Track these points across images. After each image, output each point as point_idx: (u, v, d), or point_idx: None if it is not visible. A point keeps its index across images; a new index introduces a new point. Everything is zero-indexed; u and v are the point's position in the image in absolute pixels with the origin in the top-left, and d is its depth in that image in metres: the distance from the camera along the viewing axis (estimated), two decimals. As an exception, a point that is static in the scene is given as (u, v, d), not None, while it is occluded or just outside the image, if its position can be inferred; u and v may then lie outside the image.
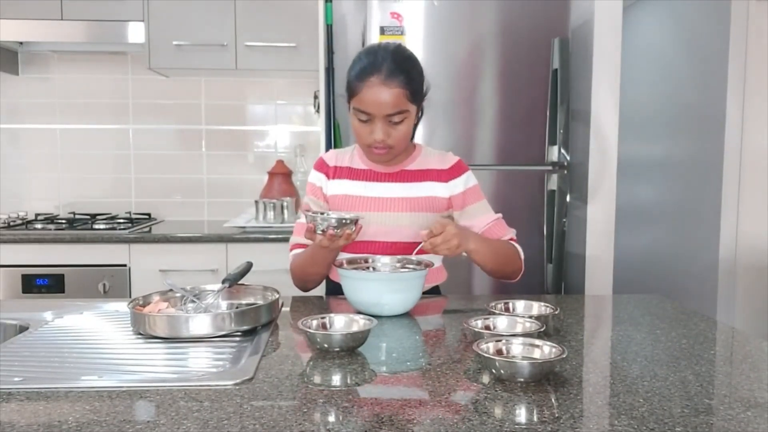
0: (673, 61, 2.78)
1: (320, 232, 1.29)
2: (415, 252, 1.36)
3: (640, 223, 3.03)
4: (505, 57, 2.26)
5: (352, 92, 1.39)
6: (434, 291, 1.56)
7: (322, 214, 1.32)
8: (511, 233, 1.52)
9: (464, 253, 1.36)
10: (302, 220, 1.46)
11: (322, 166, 1.54)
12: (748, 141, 2.36)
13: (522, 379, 0.90)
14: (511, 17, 2.25)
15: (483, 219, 1.50)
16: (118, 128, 2.99)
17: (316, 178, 1.54)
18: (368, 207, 1.47)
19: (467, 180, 1.51)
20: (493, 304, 1.23)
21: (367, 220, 1.44)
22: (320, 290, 2.40)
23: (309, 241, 1.38)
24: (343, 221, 1.30)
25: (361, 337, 1.06)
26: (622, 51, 2.27)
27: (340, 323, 1.13)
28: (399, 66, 1.36)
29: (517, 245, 1.50)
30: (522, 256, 1.50)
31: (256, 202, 2.67)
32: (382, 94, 1.34)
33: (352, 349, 1.05)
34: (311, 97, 2.94)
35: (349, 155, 1.54)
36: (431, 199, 1.49)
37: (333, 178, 1.52)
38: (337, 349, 1.05)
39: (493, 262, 1.44)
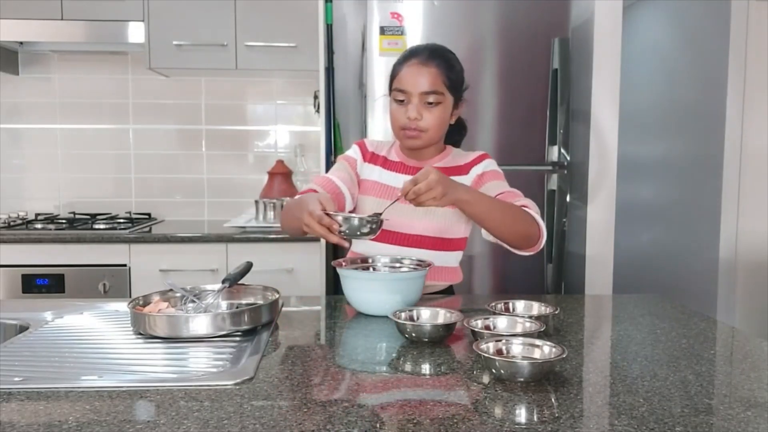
0: (673, 61, 2.78)
1: (345, 234, 1.21)
2: (392, 202, 1.30)
3: (640, 223, 3.03)
4: (505, 57, 2.26)
5: (393, 76, 1.47)
6: (448, 290, 1.57)
7: (349, 216, 1.23)
8: (524, 201, 1.42)
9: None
10: (328, 175, 1.53)
11: (362, 147, 1.60)
12: (748, 141, 2.36)
13: (522, 379, 0.90)
14: (511, 17, 2.25)
15: (495, 192, 1.44)
16: (118, 128, 2.99)
17: (354, 152, 1.59)
18: (392, 197, 1.48)
19: (487, 165, 1.52)
20: (493, 304, 1.23)
21: (389, 209, 1.46)
22: (320, 290, 2.41)
23: (317, 188, 1.47)
24: (366, 222, 1.23)
25: (450, 328, 1.11)
26: (622, 51, 2.27)
27: (426, 315, 1.18)
28: (438, 52, 1.46)
29: (531, 211, 1.38)
30: (540, 223, 1.38)
31: (256, 202, 2.67)
32: (420, 72, 1.42)
33: (441, 339, 1.10)
34: (311, 97, 2.94)
35: (387, 148, 1.60)
36: None
37: (368, 162, 1.57)
38: (426, 340, 1.10)
39: (494, 219, 1.33)
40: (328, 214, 1.20)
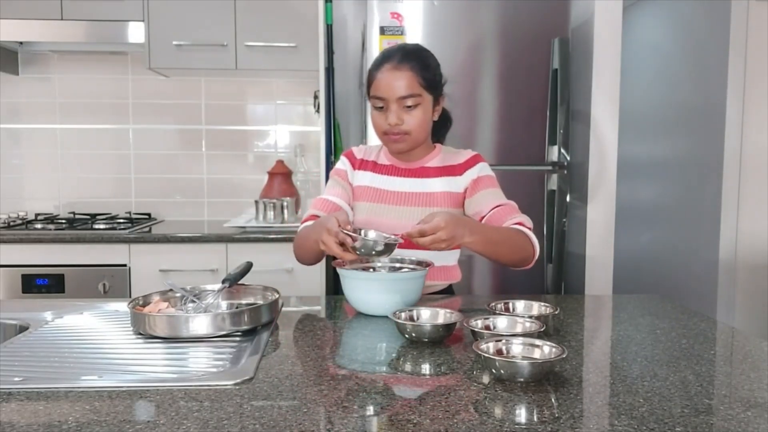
0: (673, 61, 2.78)
1: (359, 252, 1.26)
2: (396, 239, 1.32)
3: (640, 223, 3.03)
4: (505, 57, 2.26)
5: (369, 83, 1.47)
6: (448, 289, 1.57)
7: (366, 238, 1.28)
8: (519, 218, 1.43)
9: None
10: (324, 195, 1.55)
11: (350, 156, 1.61)
12: (748, 141, 2.36)
13: (522, 379, 0.90)
14: (511, 17, 2.25)
15: (491, 204, 1.46)
16: (118, 128, 2.99)
17: (343, 163, 1.60)
18: (387, 200, 1.51)
19: (481, 169, 1.52)
20: (493, 304, 1.23)
21: (385, 212, 1.50)
22: (320, 290, 2.41)
23: (321, 213, 1.47)
24: (385, 244, 1.27)
25: (450, 328, 1.10)
26: (622, 51, 2.27)
27: (426, 315, 1.18)
28: (411, 53, 1.45)
29: (526, 230, 1.41)
30: (534, 242, 1.41)
31: (256, 202, 2.67)
32: (394, 76, 1.41)
33: (441, 339, 1.10)
34: (311, 97, 2.94)
35: (377, 152, 1.60)
36: (447, 194, 1.50)
37: (358, 169, 1.58)
38: (426, 340, 1.10)
39: (495, 252, 1.35)
40: (346, 233, 1.24)
